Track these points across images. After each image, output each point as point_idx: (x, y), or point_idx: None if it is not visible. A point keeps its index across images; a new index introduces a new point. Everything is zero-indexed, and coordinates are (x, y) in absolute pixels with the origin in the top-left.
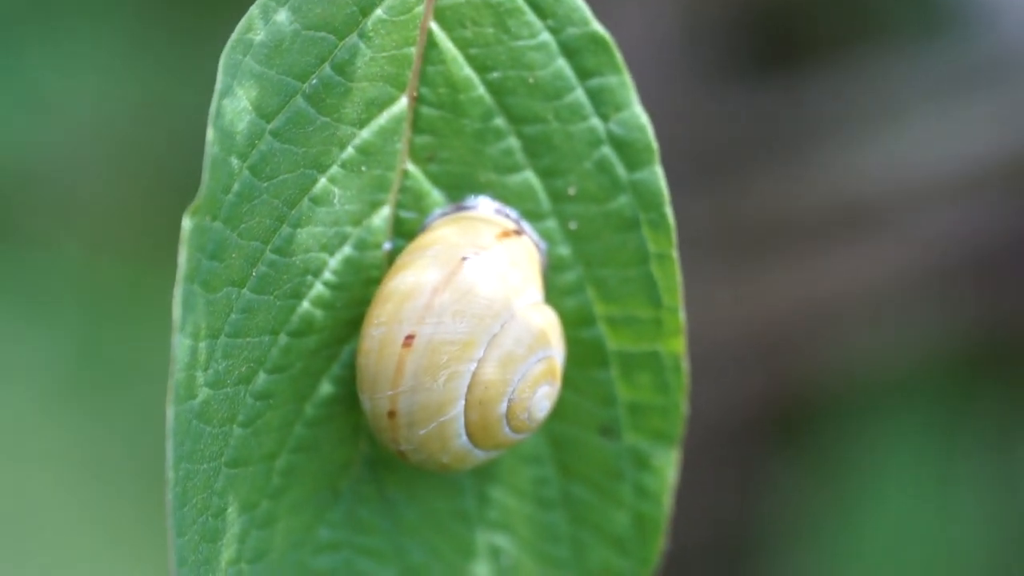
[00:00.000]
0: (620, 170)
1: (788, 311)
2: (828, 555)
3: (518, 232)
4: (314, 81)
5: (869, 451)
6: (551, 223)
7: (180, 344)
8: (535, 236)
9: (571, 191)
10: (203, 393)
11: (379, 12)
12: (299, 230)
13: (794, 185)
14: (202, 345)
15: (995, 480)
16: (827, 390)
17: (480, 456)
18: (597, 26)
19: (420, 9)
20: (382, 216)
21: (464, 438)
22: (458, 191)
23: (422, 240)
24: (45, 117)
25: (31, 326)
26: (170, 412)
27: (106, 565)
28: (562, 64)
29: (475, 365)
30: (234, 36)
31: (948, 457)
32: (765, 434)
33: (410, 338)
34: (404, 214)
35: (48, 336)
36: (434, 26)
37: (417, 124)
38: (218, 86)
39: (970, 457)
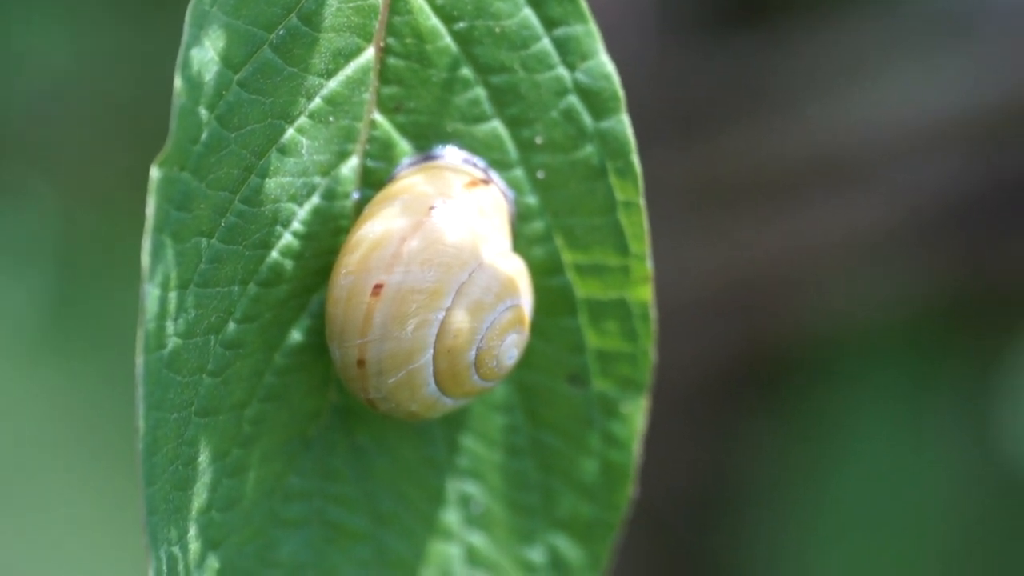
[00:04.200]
0: (586, 119)
1: (765, 266)
2: (802, 507)
3: (486, 181)
4: (281, 31)
5: (844, 404)
6: (519, 172)
7: (149, 294)
8: (503, 185)
9: (538, 140)
10: (173, 343)
11: None
12: (267, 180)
13: (770, 139)
14: (172, 295)
15: (967, 432)
16: (803, 344)
17: (449, 404)
18: None
19: None
20: (350, 166)
21: (433, 386)
22: (426, 141)
23: (390, 190)
24: (19, 69)
25: (5, 277)
26: (140, 361)
27: (79, 514)
28: (528, 13)
29: (443, 314)
30: None
31: (921, 409)
32: (741, 387)
33: (378, 287)
34: (372, 164)
35: (22, 287)
36: None
37: (384, 74)
38: (185, 36)
39: (943, 409)
